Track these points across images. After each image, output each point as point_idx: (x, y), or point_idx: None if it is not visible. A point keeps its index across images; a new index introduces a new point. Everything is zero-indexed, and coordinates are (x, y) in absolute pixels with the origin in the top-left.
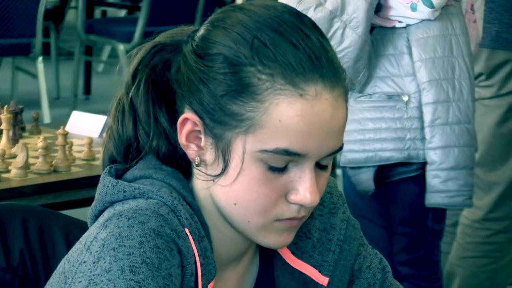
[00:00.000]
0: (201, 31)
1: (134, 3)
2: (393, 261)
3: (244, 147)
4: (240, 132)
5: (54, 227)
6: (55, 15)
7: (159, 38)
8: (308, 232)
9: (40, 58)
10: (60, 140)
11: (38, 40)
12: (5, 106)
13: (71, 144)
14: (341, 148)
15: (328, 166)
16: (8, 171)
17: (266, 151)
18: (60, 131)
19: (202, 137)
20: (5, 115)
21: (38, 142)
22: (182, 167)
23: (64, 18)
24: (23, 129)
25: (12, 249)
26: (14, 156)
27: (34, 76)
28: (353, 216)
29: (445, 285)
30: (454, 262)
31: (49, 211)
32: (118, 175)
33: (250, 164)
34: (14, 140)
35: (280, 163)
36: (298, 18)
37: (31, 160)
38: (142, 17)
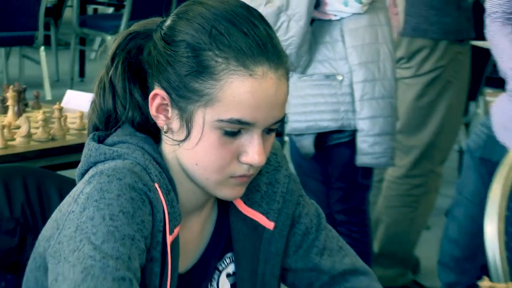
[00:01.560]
0: (168, 22)
1: (119, 1)
2: (331, 211)
3: (204, 117)
4: (200, 105)
5: (50, 184)
6: (55, 12)
7: (134, 27)
8: (257, 186)
9: (42, 48)
10: (56, 114)
11: (40, 33)
12: (10, 86)
13: (66, 117)
14: (283, 118)
15: (273, 131)
16: (14, 140)
17: (222, 120)
18: (56, 106)
19: (169, 109)
20: (10, 94)
21: (38, 115)
22: (153, 134)
23: (62, 14)
24: (26, 105)
25: (15, 203)
26: (19, 127)
27: (38, 62)
28: (298, 174)
29: (373, 230)
30: (380, 211)
31: (46, 171)
32: (100, 141)
33: (209, 132)
34: (19, 114)
35: (233, 129)
36: (248, 10)
37: (32, 130)
38: (126, 13)
